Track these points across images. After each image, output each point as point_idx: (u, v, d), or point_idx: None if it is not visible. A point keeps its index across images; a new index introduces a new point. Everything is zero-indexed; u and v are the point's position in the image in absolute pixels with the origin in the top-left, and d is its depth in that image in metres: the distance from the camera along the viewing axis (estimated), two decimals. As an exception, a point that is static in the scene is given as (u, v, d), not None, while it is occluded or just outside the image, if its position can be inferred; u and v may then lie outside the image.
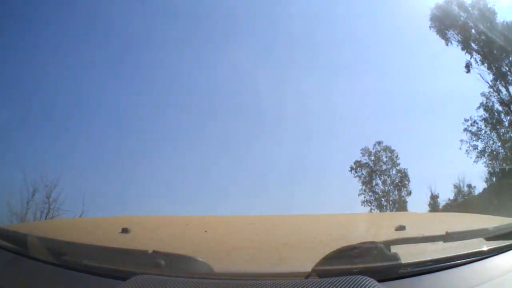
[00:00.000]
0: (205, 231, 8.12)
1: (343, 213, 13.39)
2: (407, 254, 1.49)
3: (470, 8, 18.57)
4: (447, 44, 19.37)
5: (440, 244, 1.83)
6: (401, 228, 7.55)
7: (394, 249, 1.53)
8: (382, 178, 25.14)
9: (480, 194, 19.25)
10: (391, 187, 24.85)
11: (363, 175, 25.34)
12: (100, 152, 19.43)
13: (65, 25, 18.07)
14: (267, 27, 20.47)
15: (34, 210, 13.43)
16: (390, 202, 24.49)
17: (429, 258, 1.44)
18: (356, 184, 24.85)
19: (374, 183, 25.16)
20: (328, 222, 9.73)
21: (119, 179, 18.46)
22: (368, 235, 6.59)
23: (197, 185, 19.82)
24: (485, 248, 1.59)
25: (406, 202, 24.29)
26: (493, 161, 20.07)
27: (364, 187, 25.01)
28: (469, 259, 1.48)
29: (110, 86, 20.35)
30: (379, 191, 24.86)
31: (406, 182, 24.61)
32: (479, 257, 1.52)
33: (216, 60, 21.26)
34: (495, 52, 18.52)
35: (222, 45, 20.54)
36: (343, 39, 24.01)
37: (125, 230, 7.60)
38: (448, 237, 1.86)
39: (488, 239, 1.82)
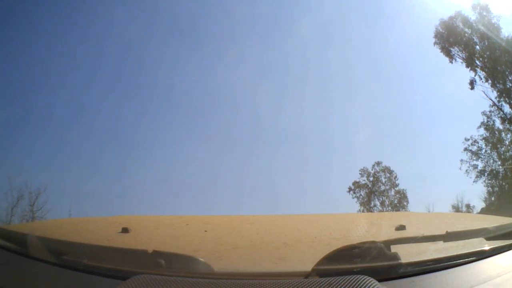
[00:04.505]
0: (205, 231, 8.11)
1: (343, 213, 13.41)
2: (407, 254, 1.49)
3: (474, 24, 18.18)
4: (451, 62, 19.00)
5: (440, 244, 1.83)
6: (401, 227, 7.55)
7: (394, 248, 1.53)
8: (380, 199, 24.68)
9: (478, 214, 19.21)
10: (390, 208, 24.23)
11: (361, 196, 24.81)
12: (100, 152, 19.38)
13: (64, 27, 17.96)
14: (269, 39, 20.43)
15: (20, 218, 13.16)
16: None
17: (429, 258, 1.45)
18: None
19: (372, 204, 24.65)
20: (328, 222, 9.73)
21: (119, 179, 18.41)
22: (368, 235, 6.59)
23: (197, 184, 19.76)
24: (485, 248, 1.59)
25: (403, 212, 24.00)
26: (493, 180, 19.88)
27: (362, 208, 24.42)
28: (469, 259, 1.48)
29: (109, 88, 20.31)
30: (377, 212, 24.13)
31: (405, 203, 24.16)
32: (479, 257, 1.52)
33: (218, 65, 21.17)
34: (499, 68, 18.17)
35: (224, 51, 20.45)
36: (343, 57, 23.78)
37: (125, 230, 7.59)
38: (448, 237, 1.87)
39: (488, 239, 1.82)
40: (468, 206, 20.77)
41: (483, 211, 18.86)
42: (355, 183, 24.70)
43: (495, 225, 2.10)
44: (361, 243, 1.52)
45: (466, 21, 18.43)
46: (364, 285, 1.14)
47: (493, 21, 17.90)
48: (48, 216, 13.04)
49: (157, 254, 1.50)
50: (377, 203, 24.79)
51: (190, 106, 21.82)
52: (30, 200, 13.13)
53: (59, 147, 18.14)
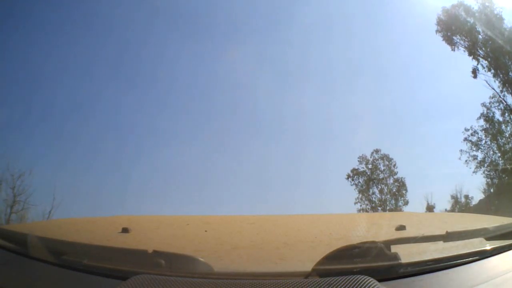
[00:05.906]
0: (205, 231, 8.12)
1: (343, 213, 13.42)
2: (407, 254, 1.49)
3: (477, 14, 18.21)
4: (453, 50, 19.01)
5: (440, 244, 1.83)
6: (401, 228, 7.56)
7: (394, 248, 1.53)
8: (379, 187, 24.43)
9: (476, 205, 19.12)
10: (388, 196, 24.17)
11: (360, 184, 24.59)
12: (100, 151, 19.40)
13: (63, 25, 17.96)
14: (268, 32, 20.54)
15: (4, 202, 13.32)
16: (387, 211, 22.57)
17: (429, 258, 1.45)
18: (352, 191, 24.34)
19: (371, 191, 24.42)
20: (328, 221, 9.73)
21: (119, 179, 18.44)
22: (369, 235, 6.60)
23: (197, 185, 19.81)
24: (485, 248, 1.59)
25: (403, 211, 23.82)
26: (492, 172, 19.80)
27: (360, 195, 24.25)
28: (469, 259, 1.48)
29: (108, 86, 20.32)
30: (375, 200, 24.12)
31: (404, 192, 23.98)
32: (479, 257, 1.52)
33: (216, 61, 21.24)
34: (502, 58, 18.12)
35: (222, 47, 20.52)
36: (342, 44, 23.80)
37: (125, 230, 7.61)
38: (448, 237, 1.86)
39: (488, 239, 1.82)
40: (466, 197, 20.76)
41: (481, 203, 18.80)
42: (353, 170, 24.52)
43: (495, 225, 2.10)
44: (361, 243, 1.51)
45: (468, 10, 18.43)
46: (364, 285, 1.14)
47: (495, 12, 17.88)
48: (32, 200, 13.31)
49: (157, 254, 1.50)
50: (376, 191, 24.61)
51: (190, 105, 21.87)
52: (13, 182, 13.33)
53: (58, 146, 18.19)
